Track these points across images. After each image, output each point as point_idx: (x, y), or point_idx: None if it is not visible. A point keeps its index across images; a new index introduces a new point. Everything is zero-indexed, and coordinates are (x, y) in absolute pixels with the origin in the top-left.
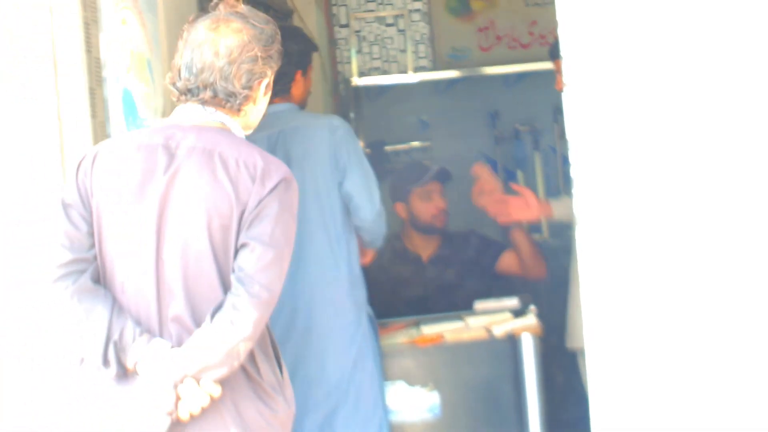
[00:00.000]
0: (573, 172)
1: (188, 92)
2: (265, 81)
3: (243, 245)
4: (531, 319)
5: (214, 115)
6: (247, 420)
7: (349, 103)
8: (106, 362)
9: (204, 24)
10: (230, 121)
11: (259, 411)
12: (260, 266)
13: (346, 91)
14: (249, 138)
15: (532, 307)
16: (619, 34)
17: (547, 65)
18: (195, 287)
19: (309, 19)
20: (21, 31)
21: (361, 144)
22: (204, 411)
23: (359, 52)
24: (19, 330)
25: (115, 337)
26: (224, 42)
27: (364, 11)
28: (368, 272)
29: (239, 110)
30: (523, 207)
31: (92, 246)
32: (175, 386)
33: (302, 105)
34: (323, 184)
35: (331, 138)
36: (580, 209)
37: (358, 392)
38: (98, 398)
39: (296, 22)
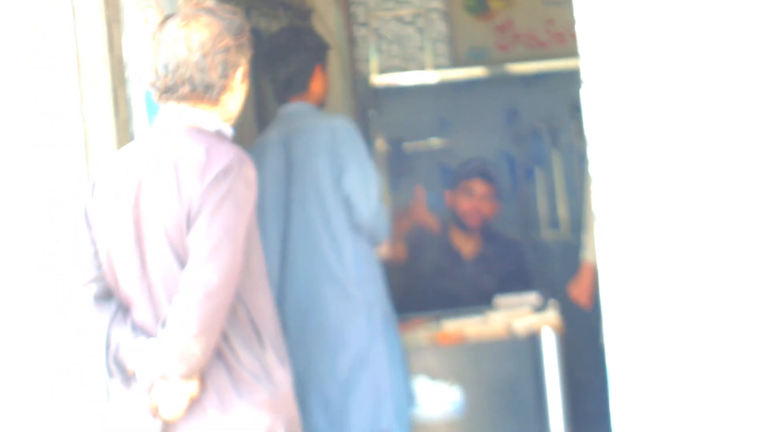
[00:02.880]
0: (591, 170)
1: (168, 90)
2: (240, 69)
3: (188, 246)
4: (551, 315)
5: (186, 114)
6: (229, 409)
7: (369, 101)
8: (110, 373)
9: (174, 23)
10: (205, 117)
11: (242, 399)
12: (198, 263)
13: (365, 89)
14: (262, 136)
15: (552, 302)
16: (636, 31)
17: (565, 63)
18: (172, 291)
19: (328, 18)
20: (44, 31)
21: (380, 142)
22: (190, 405)
23: (378, 50)
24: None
25: (113, 349)
26: (196, 36)
27: (383, 10)
28: (409, 258)
29: (217, 101)
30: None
31: (100, 265)
32: (148, 391)
33: (321, 103)
34: (325, 186)
35: (332, 139)
36: (599, 207)
37: (368, 388)
38: (114, 404)
39: (315, 20)
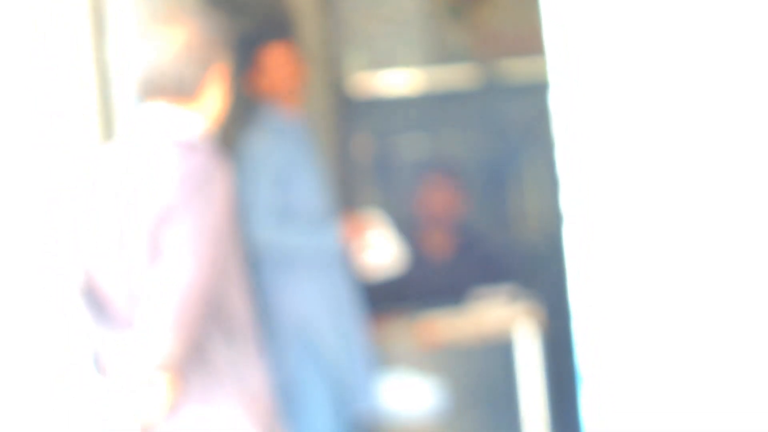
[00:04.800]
0: (560, 172)
1: (148, 88)
2: (220, 67)
3: (165, 243)
4: (530, 305)
5: (167, 114)
6: (204, 410)
7: (348, 107)
8: (100, 370)
9: (155, 20)
10: (185, 116)
11: (216, 398)
12: (174, 261)
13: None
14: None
15: (530, 293)
16: (604, 29)
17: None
18: (149, 289)
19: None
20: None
21: (361, 140)
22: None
23: (358, 49)
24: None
25: (96, 344)
26: (176, 34)
27: (364, 9)
28: None
29: (198, 100)
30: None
31: (86, 261)
32: (130, 392)
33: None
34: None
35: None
36: (567, 209)
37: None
38: (98, 401)
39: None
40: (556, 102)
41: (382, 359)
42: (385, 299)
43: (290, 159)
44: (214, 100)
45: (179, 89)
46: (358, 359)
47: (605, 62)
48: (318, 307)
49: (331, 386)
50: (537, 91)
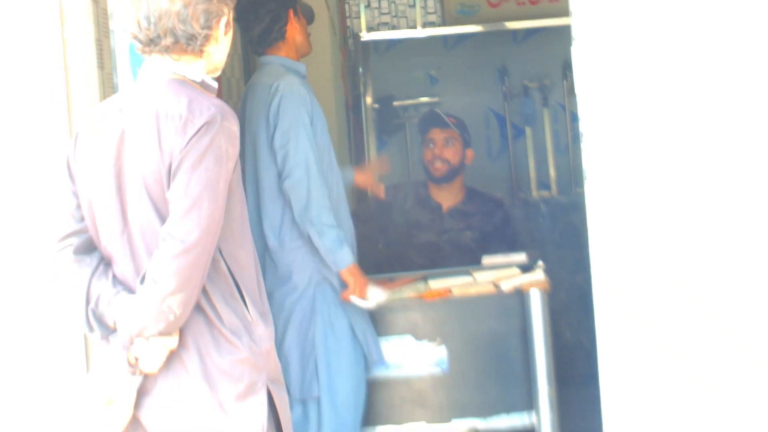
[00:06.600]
0: (582, 128)
1: (150, 42)
2: (224, 19)
3: (168, 200)
4: (539, 275)
5: (170, 66)
6: (209, 367)
7: (358, 58)
8: (90, 327)
9: None
10: (188, 69)
11: (222, 357)
12: (175, 219)
13: (354, 46)
14: None
15: (540, 263)
16: None
17: (556, 21)
18: (152, 245)
19: None
20: None
21: (368, 99)
22: (169, 361)
23: (368, 6)
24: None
25: (92, 303)
26: None
27: None
28: (389, 213)
29: (201, 52)
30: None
31: (82, 218)
32: (126, 347)
33: (303, 51)
34: (260, 146)
35: (269, 100)
36: (589, 165)
37: (295, 357)
38: (95, 359)
39: None
40: (577, 58)
41: (395, 320)
42: (402, 255)
43: (314, 110)
44: (219, 52)
45: (185, 46)
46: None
47: (627, 17)
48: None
49: (356, 343)
50: (552, 46)
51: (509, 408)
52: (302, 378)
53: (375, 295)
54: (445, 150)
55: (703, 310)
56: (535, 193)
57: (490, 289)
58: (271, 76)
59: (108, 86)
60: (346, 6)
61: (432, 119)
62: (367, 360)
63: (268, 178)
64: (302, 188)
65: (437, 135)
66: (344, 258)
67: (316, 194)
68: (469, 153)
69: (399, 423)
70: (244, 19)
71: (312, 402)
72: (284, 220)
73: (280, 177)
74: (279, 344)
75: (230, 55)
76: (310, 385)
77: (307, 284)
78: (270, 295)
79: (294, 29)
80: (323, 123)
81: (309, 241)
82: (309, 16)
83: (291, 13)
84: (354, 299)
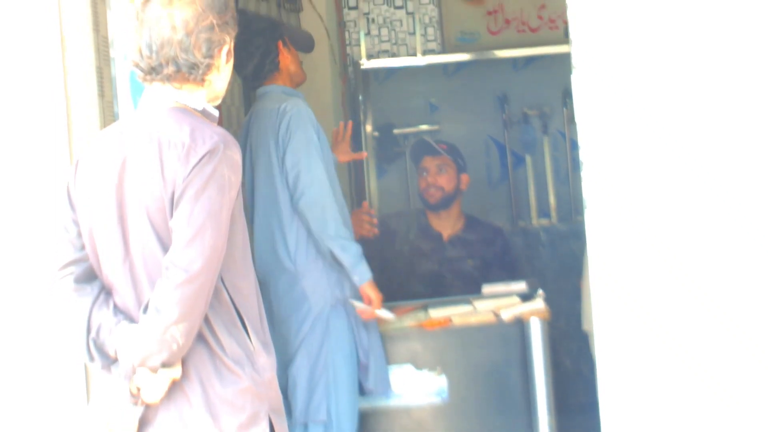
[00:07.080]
0: (582, 156)
1: (152, 71)
2: (225, 48)
3: (171, 229)
4: (539, 304)
5: (171, 95)
6: (211, 397)
7: (358, 85)
8: (90, 357)
9: (158, 1)
10: (190, 97)
11: (224, 387)
12: (179, 248)
13: (354, 73)
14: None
15: (540, 292)
16: (628, 16)
17: (556, 49)
18: (154, 274)
19: (318, 1)
20: (28, 9)
21: (368, 127)
22: (170, 391)
23: (368, 34)
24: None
25: (93, 332)
26: (179, 15)
27: None
28: (389, 243)
29: (203, 81)
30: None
31: (82, 246)
32: (128, 377)
33: (297, 79)
34: (273, 170)
35: (278, 122)
36: (589, 193)
37: (304, 379)
38: (96, 389)
39: (305, 3)
40: (576, 85)
41: (395, 349)
42: (404, 284)
43: (318, 127)
44: (221, 81)
45: (187, 75)
46: (375, 345)
47: (627, 45)
48: (347, 292)
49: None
50: (551, 74)
51: None
52: (309, 400)
53: (385, 313)
54: (438, 177)
55: (703, 311)
56: (535, 221)
57: (491, 318)
58: (275, 101)
59: (108, 114)
60: (346, 34)
61: (423, 148)
62: (362, 386)
63: (283, 201)
64: (318, 206)
65: (429, 163)
66: (366, 271)
67: (331, 210)
68: (464, 178)
69: None
70: (235, 58)
71: (314, 426)
72: (299, 241)
73: (293, 198)
74: (288, 365)
75: (230, 84)
76: (318, 408)
77: (322, 307)
78: (286, 321)
79: (286, 59)
80: (325, 140)
81: (324, 261)
82: (309, 44)
83: (280, 44)
84: (380, 312)
